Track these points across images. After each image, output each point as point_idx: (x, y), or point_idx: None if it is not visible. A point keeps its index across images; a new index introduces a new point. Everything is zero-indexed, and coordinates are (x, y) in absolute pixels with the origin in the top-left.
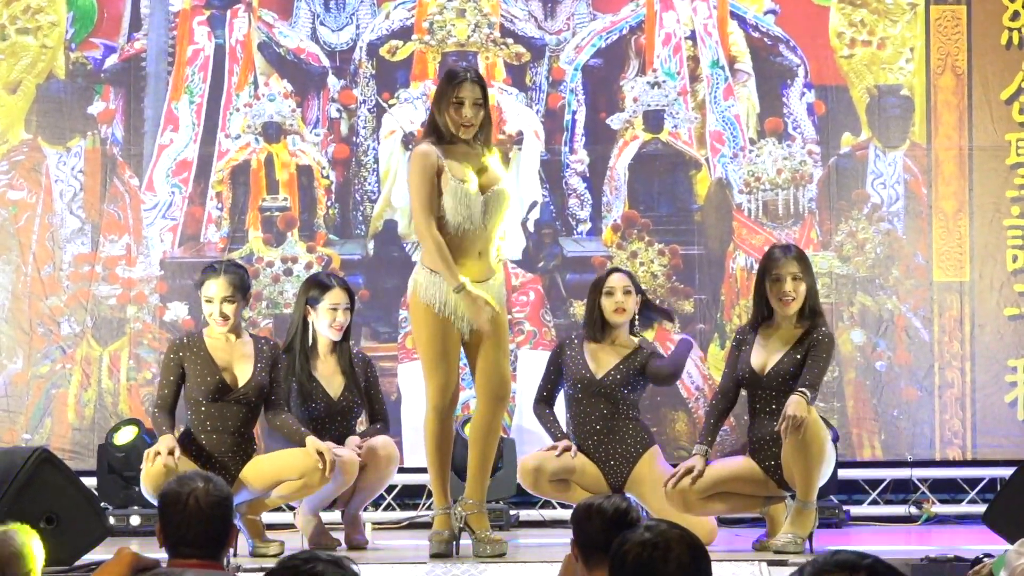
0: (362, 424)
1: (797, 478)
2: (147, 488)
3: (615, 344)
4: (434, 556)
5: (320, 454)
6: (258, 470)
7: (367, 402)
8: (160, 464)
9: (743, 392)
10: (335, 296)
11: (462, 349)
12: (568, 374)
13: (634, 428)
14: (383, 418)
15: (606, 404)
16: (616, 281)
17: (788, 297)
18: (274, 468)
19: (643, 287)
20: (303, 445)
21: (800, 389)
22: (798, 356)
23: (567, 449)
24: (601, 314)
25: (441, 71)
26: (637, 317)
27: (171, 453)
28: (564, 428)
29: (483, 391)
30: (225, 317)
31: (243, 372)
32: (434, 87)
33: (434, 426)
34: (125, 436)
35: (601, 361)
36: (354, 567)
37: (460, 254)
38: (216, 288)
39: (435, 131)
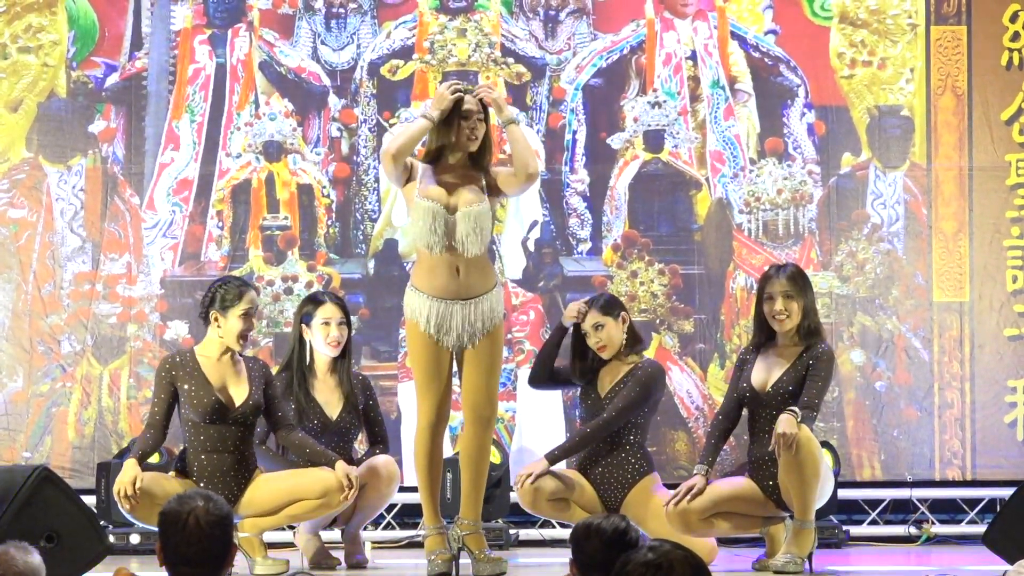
0: (361, 444)
1: (794, 497)
2: (137, 520)
3: (618, 362)
4: None
5: (348, 477)
6: (269, 488)
7: (367, 424)
8: (126, 505)
9: (744, 411)
10: (327, 311)
11: (455, 366)
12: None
13: (635, 455)
14: (383, 440)
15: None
16: (587, 328)
17: (781, 316)
18: (290, 487)
19: (644, 306)
20: (329, 465)
21: (791, 408)
22: (798, 374)
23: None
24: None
25: None
26: (626, 338)
27: (134, 482)
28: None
29: (468, 411)
30: (243, 344)
31: (239, 392)
32: None
33: (426, 443)
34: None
35: (606, 381)
36: None
37: (431, 272)
38: (244, 324)
39: (427, 151)
